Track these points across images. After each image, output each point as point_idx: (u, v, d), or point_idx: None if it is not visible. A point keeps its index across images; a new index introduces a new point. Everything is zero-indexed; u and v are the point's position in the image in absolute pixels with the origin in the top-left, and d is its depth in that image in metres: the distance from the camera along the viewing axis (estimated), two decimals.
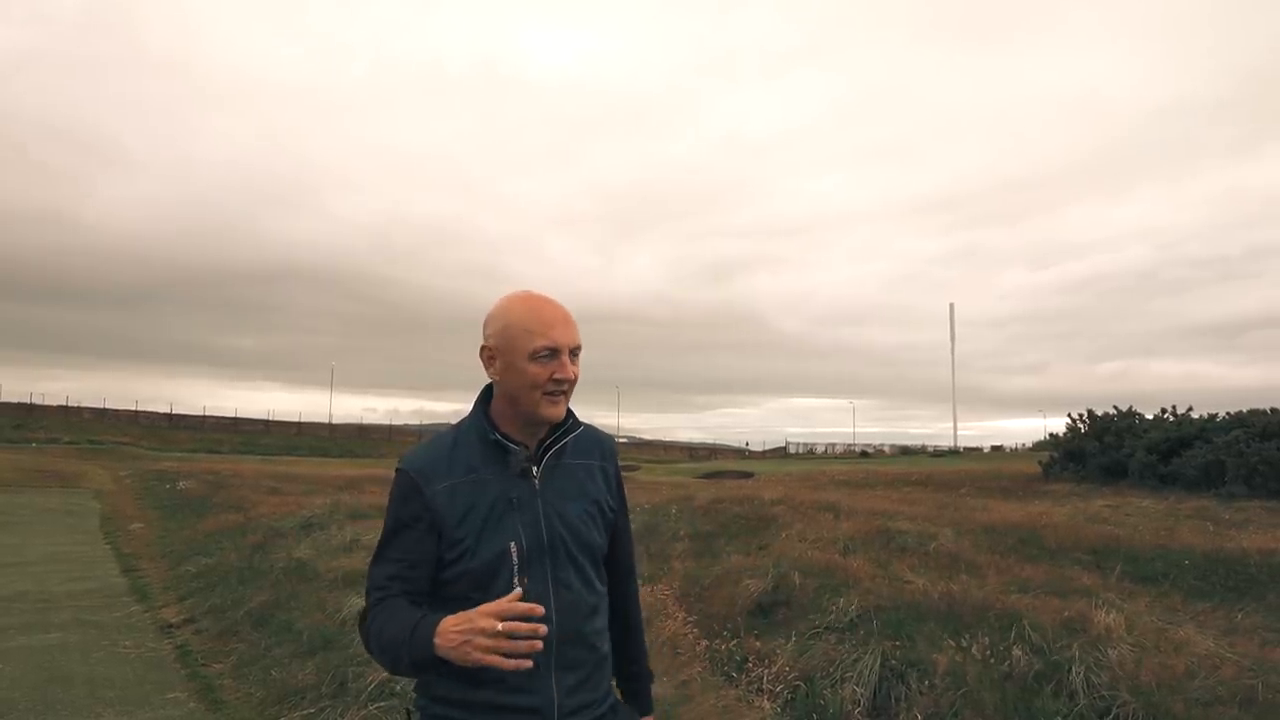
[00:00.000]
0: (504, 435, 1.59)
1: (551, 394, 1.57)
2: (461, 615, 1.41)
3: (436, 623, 1.42)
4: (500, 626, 1.37)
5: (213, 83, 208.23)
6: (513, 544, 1.53)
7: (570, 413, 1.67)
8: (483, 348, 1.62)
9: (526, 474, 1.59)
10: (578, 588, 1.58)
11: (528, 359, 1.55)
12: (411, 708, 1.64)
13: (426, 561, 1.55)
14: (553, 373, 1.55)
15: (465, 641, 1.37)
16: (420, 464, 1.57)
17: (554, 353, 1.56)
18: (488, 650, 1.36)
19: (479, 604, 1.48)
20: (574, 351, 1.59)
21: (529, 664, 1.39)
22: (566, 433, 1.64)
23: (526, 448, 1.60)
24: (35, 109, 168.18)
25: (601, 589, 1.66)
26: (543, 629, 1.40)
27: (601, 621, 1.65)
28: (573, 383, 1.59)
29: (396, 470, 1.60)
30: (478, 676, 1.49)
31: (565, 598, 1.56)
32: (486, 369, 1.62)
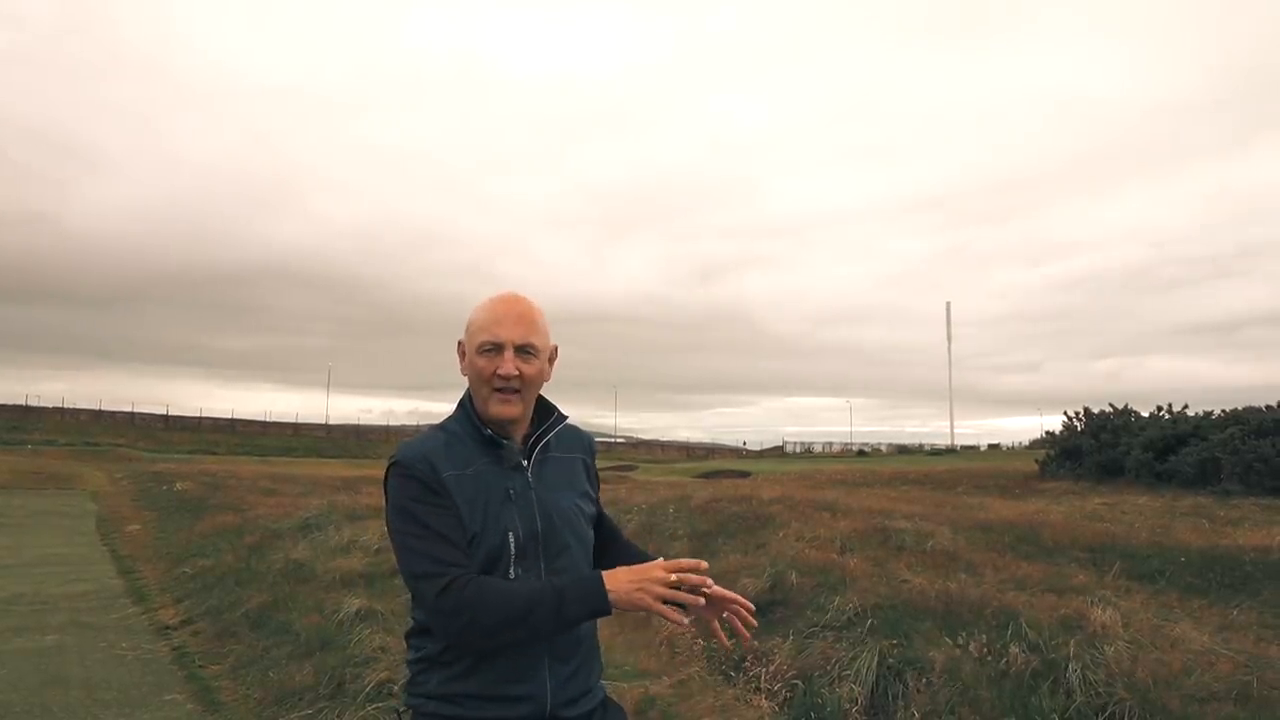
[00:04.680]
0: (494, 431, 1.61)
1: (500, 391, 1.58)
2: (634, 568, 1.50)
3: (600, 575, 1.49)
4: (673, 576, 1.46)
5: (197, 84, 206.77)
6: (510, 535, 1.55)
7: (554, 407, 1.71)
8: (458, 343, 1.68)
9: (519, 468, 1.61)
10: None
11: (476, 353, 1.60)
12: (401, 708, 1.64)
13: (465, 543, 1.52)
14: (496, 368, 1.58)
15: (639, 589, 1.45)
16: (424, 452, 1.57)
17: (497, 348, 1.58)
18: (659, 598, 1.45)
19: None
20: (522, 349, 1.59)
21: (685, 620, 1.54)
22: (551, 427, 1.67)
23: (516, 442, 1.63)
24: (21, 112, 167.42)
25: None
26: (710, 582, 1.50)
27: None
28: (522, 379, 1.59)
29: (394, 463, 1.58)
30: (473, 668, 1.52)
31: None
32: (460, 365, 1.68)
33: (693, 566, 1.50)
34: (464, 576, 1.47)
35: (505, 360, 1.58)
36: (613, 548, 1.82)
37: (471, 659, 1.52)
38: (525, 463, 1.62)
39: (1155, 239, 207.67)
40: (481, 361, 1.59)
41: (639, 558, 1.73)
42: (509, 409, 1.60)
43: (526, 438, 1.65)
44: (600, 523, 1.80)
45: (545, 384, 1.69)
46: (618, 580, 1.46)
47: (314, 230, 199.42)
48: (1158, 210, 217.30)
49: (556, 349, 1.72)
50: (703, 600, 1.49)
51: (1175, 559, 7.46)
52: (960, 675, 4.30)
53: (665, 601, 1.46)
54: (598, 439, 1.87)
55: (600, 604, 1.45)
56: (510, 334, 1.58)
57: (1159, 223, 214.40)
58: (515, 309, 1.62)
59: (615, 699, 1.76)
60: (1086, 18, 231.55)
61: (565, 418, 1.71)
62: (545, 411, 1.70)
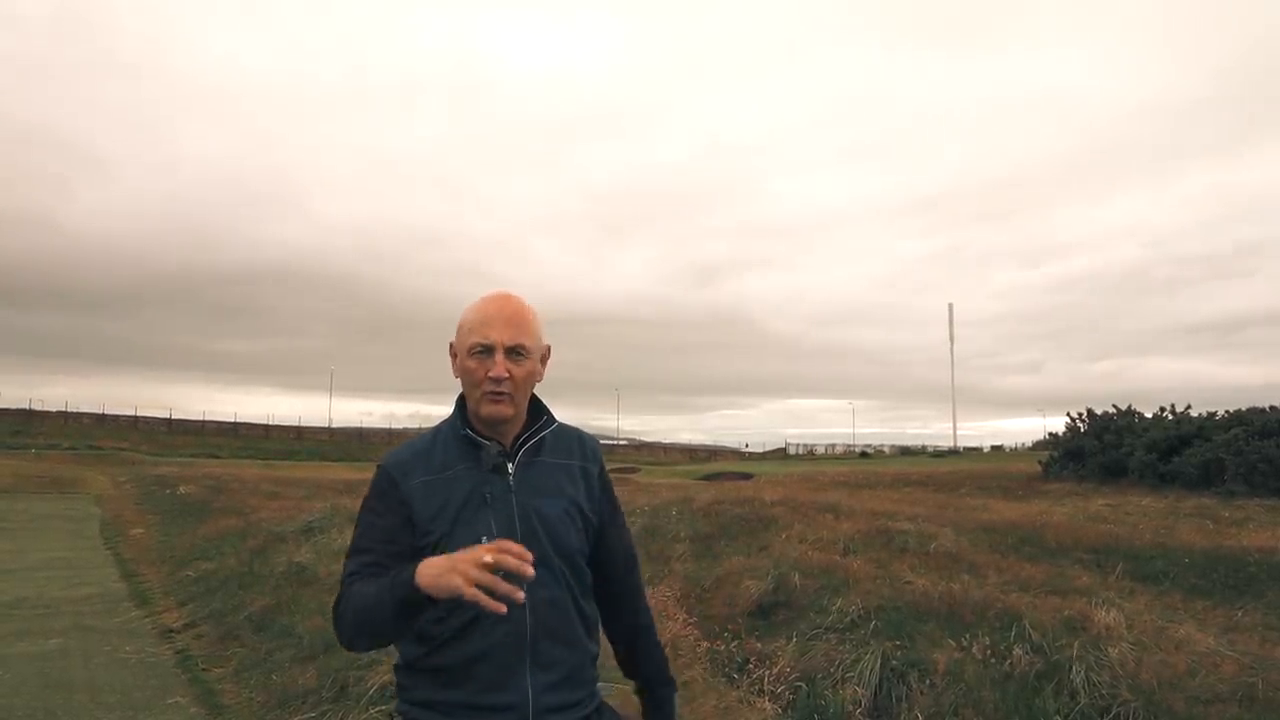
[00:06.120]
0: (475, 431, 1.59)
1: (491, 393, 1.56)
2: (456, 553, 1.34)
3: (418, 564, 1.36)
4: (489, 558, 1.27)
5: (197, 84, 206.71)
6: (484, 539, 1.50)
7: (545, 410, 1.67)
8: (450, 345, 1.65)
9: (500, 470, 1.58)
10: (552, 585, 1.54)
11: (467, 355, 1.58)
12: (395, 713, 1.64)
13: (402, 554, 1.51)
14: (488, 370, 1.55)
15: (451, 568, 1.29)
16: (398, 459, 1.60)
17: (488, 350, 1.56)
18: (471, 580, 1.26)
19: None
20: (513, 350, 1.57)
21: (503, 608, 1.27)
22: (539, 430, 1.63)
23: (500, 444, 1.60)
24: (20, 112, 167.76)
25: (580, 587, 1.63)
26: (530, 571, 1.29)
27: (581, 620, 1.62)
28: (513, 381, 1.56)
29: (376, 467, 1.63)
30: (454, 677, 1.50)
31: (539, 594, 1.51)
32: (451, 367, 1.65)
33: (508, 548, 1.28)
34: (354, 584, 1.48)
35: (496, 363, 1.55)
36: (607, 583, 1.71)
37: (454, 667, 1.50)
38: (509, 466, 1.59)
39: (1153, 239, 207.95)
40: (472, 364, 1.57)
41: (628, 598, 1.67)
42: (501, 409, 1.57)
43: (515, 439, 1.62)
44: (599, 542, 1.68)
45: (539, 384, 1.66)
46: (431, 564, 1.33)
47: (314, 230, 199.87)
48: (1155, 210, 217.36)
49: (549, 349, 1.68)
50: (521, 595, 1.29)
51: (1179, 560, 7.45)
52: (964, 677, 4.29)
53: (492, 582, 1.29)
54: (600, 441, 1.80)
55: (406, 589, 1.34)
56: (501, 335, 1.56)
57: (1156, 222, 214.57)
58: (505, 309, 1.59)
59: (613, 705, 1.72)
60: (1083, 19, 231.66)
61: (554, 422, 1.66)
62: (537, 414, 1.66)
